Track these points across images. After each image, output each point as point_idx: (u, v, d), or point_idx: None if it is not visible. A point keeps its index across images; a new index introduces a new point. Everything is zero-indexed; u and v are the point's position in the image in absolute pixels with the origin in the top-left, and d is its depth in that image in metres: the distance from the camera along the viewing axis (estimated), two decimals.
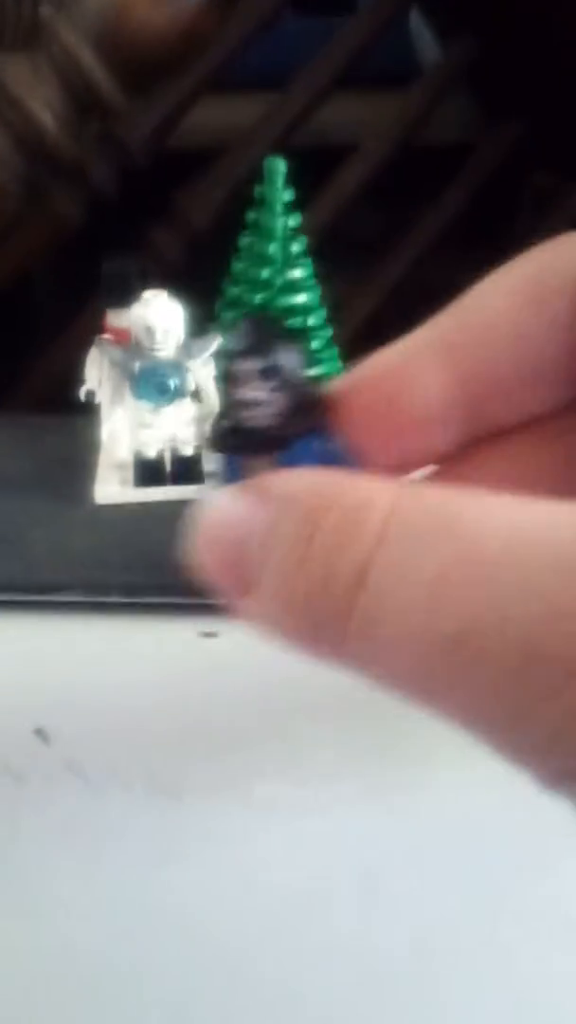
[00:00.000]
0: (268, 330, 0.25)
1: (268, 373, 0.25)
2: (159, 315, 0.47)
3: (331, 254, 0.86)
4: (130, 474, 0.51)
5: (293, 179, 0.94)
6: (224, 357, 0.27)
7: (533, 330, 0.25)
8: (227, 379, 0.25)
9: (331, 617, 0.20)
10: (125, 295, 0.52)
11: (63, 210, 0.80)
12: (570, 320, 0.25)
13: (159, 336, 0.47)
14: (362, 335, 0.97)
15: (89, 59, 0.67)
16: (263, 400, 0.25)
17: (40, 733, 0.42)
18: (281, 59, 0.93)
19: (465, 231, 1.05)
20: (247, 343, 0.25)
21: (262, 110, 0.95)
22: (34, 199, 0.75)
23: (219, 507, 0.23)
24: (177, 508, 0.49)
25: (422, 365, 0.26)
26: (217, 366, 0.48)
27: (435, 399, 0.26)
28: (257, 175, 0.92)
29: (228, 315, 0.50)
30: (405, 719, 0.42)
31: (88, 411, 0.54)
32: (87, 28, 0.67)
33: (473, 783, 0.41)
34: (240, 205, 0.94)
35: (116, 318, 0.53)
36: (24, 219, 0.76)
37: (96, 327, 0.91)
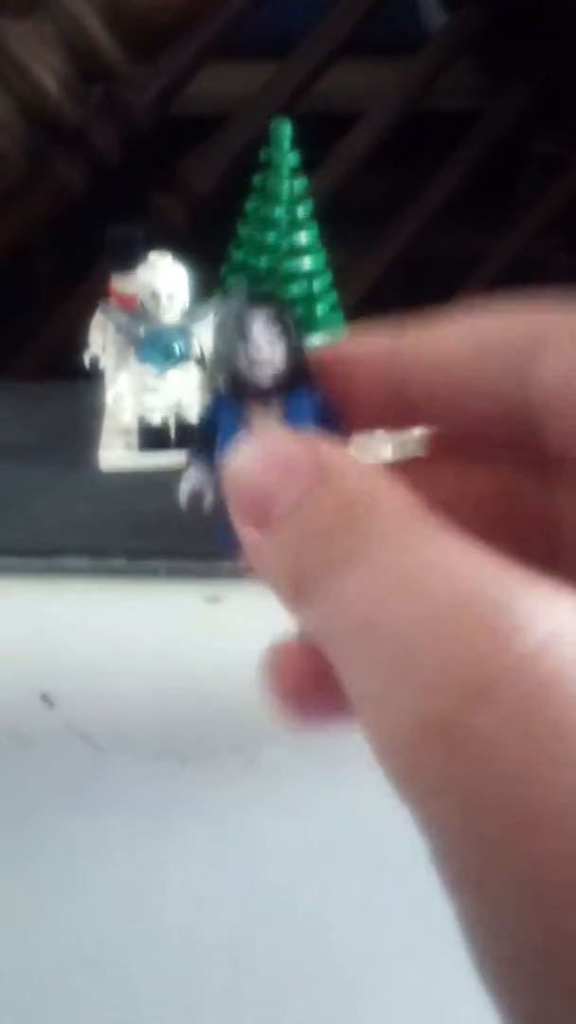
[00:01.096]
0: (263, 295, 0.27)
1: (269, 329, 0.26)
2: (164, 279, 0.47)
3: (336, 221, 0.86)
4: (134, 439, 0.51)
5: (298, 145, 0.94)
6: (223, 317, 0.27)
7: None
8: (229, 335, 0.26)
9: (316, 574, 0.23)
10: (130, 259, 0.52)
11: (66, 176, 0.80)
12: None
13: (164, 300, 0.47)
14: (366, 300, 0.97)
15: (94, 24, 0.66)
16: (266, 353, 0.26)
17: (46, 698, 0.43)
18: (285, 26, 0.93)
19: (469, 198, 1.05)
20: (250, 303, 0.26)
21: (266, 77, 0.94)
22: (37, 165, 0.75)
23: (254, 456, 0.24)
24: (180, 476, 0.50)
25: (391, 363, 0.27)
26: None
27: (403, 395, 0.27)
28: (261, 141, 0.92)
29: (233, 279, 0.50)
30: None
31: (91, 377, 0.54)
32: None
33: None
34: (244, 171, 0.94)
35: (121, 283, 0.53)
36: (27, 185, 0.75)
37: (99, 293, 0.91)
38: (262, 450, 0.24)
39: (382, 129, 0.97)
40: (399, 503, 0.23)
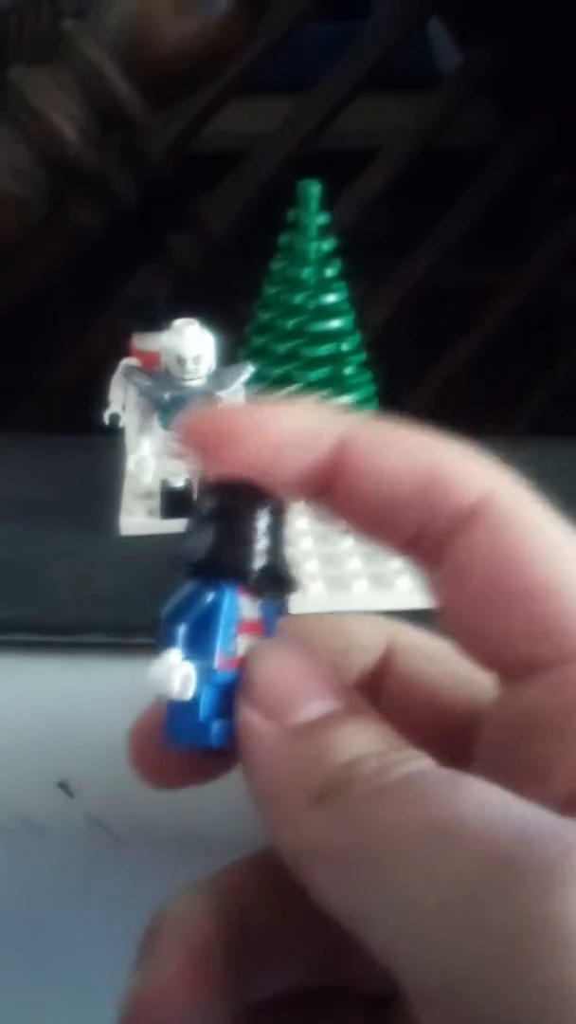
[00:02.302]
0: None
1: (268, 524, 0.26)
2: (191, 344, 0.46)
3: (350, 256, 0.85)
4: (156, 504, 0.50)
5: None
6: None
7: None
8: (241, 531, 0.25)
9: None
10: (152, 319, 0.51)
11: (83, 222, 0.79)
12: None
13: (190, 365, 0.46)
14: (381, 336, 0.96)
15: (112, 72, 0.65)
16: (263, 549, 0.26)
17: (63, 785, 0.41)
18: (300, 64, 0.92)
19: (484, 232, 1.04)
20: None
21: (281, 114, 0.93)
22: (54, 211, 0.74)
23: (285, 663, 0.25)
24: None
25: None
26: (248, 394, 0.47)
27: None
28: (277, 180, 0.91)
29: (259, 340, 0.49)
30: None
31: (106, 429, 0.53)
32: (110, 41, 0.66)
33: None
34: (259, 211, 0.93)
35: (142, 342, 0.52)
36: (44, 230, 0.74)
37: (113, 341, 0.90)
38: (292, 661, 0.25)
39: (397, 166, 0.96)
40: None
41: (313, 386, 0.48)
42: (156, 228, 0.90)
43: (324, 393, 0.48)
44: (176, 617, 0.26)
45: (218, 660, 0.25)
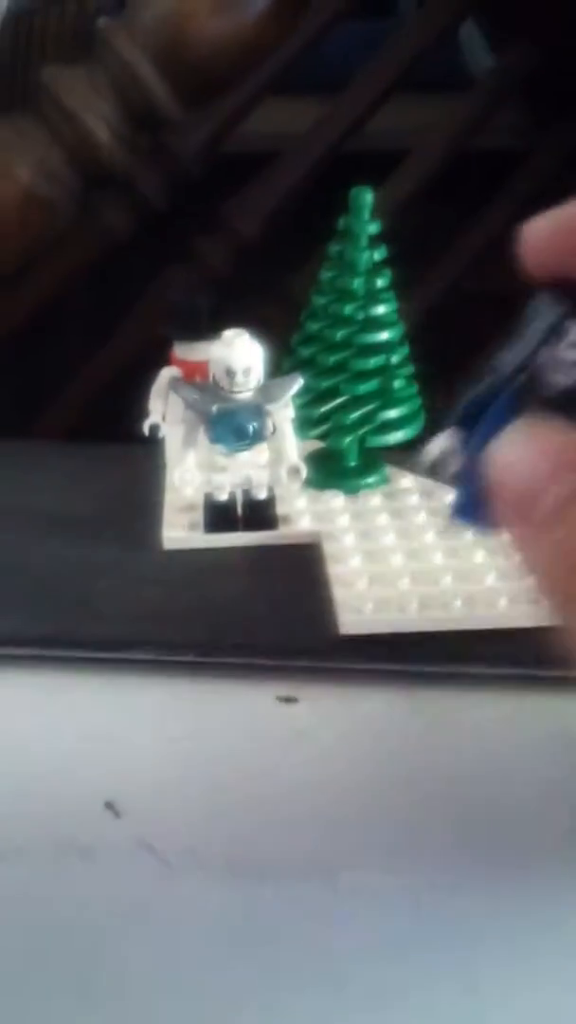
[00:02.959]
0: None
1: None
2: (241, 357, 0.44)
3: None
4: (200, 518, 0.48)
5: (341, 186, 0.92)
6: (534, 315, 0.27)
7: None
8: (535, 331, 0.27)
9: None
10: (194, 327, 0.49)
11: (112, 223, 0.77)
12: None
13: (240, 378, 0.45)
14: (411, 340, 0.95)
15: (147, 72, 0.64)
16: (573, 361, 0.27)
17: (110, 806, 0.40)
18: (328, 64, 0.91)
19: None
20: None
21: (309, 115, 0.92)
22: (83, 212, 0.72)
23: (525, 449, 0.25)
24: (250, 558, 0.47)
25: None
26: (296, 408, 0.46)
27: None
28: (308, 182, 0.90)
29: (306, 351, 0.47)
30: (508, 803, 0.39)
31: (142, 437, 0.51)
32: (145, 40, 0.64)
33: None
34: (289, 213, 0.92)
35: (184, 351, 0.51)
36: (73, 232, 0.73)
37: (141, 345, 0.89)
38: (533, 443, 0.25)
39: (429, 168, 0.95)
40: None
41: (360, 399, 0.46)
42: (183, 230, 0.89)
43: (371, 406, 0.46)
44: (468, 408, 0.28)
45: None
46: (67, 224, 0.69)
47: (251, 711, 0.43)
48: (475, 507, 0.27)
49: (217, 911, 0.41)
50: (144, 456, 0.54)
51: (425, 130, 0.99)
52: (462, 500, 0.28)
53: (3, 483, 0.54)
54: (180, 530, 0.48)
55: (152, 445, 0.52)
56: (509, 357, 0.27)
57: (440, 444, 0.29)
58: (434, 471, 0.29)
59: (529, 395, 0.27)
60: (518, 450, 0.25)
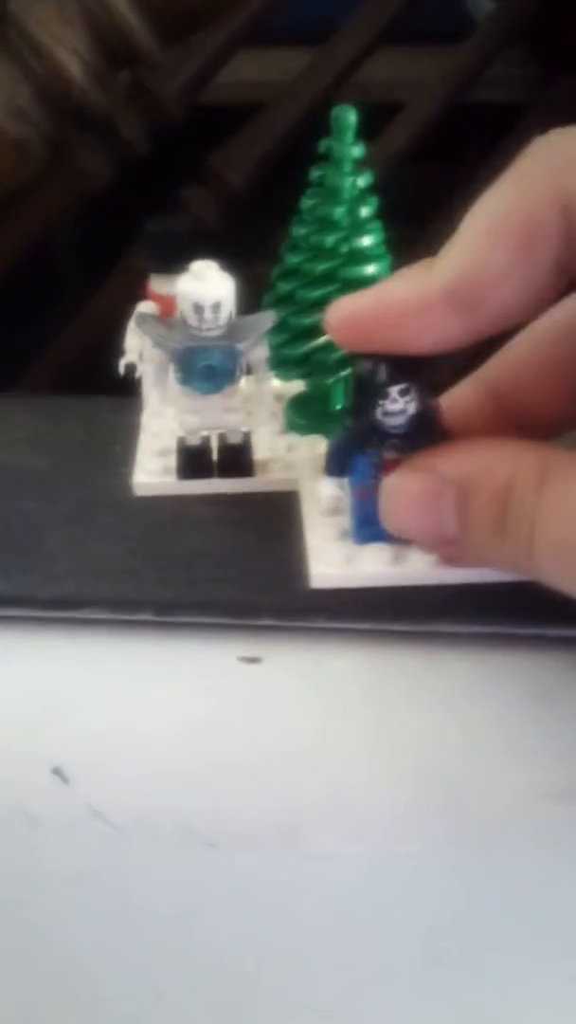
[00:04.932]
0: (400, 361, 0.35)
1: (405, 392, 0.35)
2: (208, 291, 0.41)
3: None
4: (173, 463, 0.45)
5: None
6: (363, 380, 0.36)
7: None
8: (368, 392, 0.36)
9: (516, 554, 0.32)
10: (170, 259, 0.46)
11: (91, 167, 0.74)
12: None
13: (208, 315, 0.41)
14: None
15: (121, 3, 0.61)
16: (399, 411, 0.36)
17: (59, 772, 0.37)
18: (323, 11, 0.88)
19: None
20: (389, 374, 0.35)
21: (302, 65, 0.89)
22: (59, 156, 0.69)
23: (410, 483, 0.35)
24: (222, 507, 0.44)
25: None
26: (276, 347, 0.43)
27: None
28: (298, 131, 0.87)
29: (285, 286, 0.44)
30: (478, 765, 0.36)
31: (122, 388, 0.48)
32: None
33: (552, 839, 0.36)
34: (279, 163, 0.89)
35: (160, 284, 0.47)
36: (49, 177, 0.70)
37: (128, 294, 0.86)
38: (411, 496, 0.35)
39: (425, 121, 0.92)
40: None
41: None
42: (170, 180, 0.86)
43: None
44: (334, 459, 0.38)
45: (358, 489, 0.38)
46: (41, 166, 0.66)
47: (211, 672, 0.40)
48: (368, 528, 0.38)
49: (172, 878, 0.39)
50: (115, 408, 0.51)
51: (420, 80, 0.95)
52: (357, 526, 0.39)
53: None
54: (152, 476, 0.45)
55: (126, 397, 0.49)
56: (354, 420, 0.37)
57: (327, 490, 0.39)
58: (333, 510, 0.41)
59: (374, 438, 0.36)
60: (405, 508, 0.35)
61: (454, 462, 0.34)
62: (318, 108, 0.84)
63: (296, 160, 0.73)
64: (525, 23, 0.94)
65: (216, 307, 0.41)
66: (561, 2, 0.93)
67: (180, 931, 0.39)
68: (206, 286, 0.41)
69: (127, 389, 0.48)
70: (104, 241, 0.87)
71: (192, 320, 0.41)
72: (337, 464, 0.39)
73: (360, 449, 0.37)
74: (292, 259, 0.43)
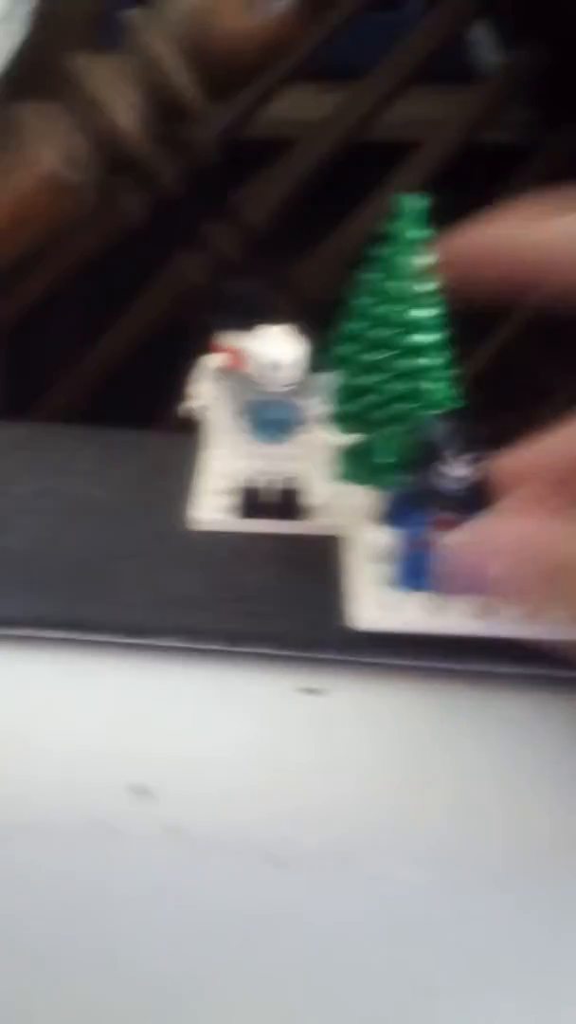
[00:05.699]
0: (462, 426, 0.40)
1: (470, 461, 0.39)
2: (284, 353, 0.46)
3: None
4: (234, 502, 0.50)
5: (349, 175, 0.92)
6: (427, 444, 0.40)
7: None
8: (433, 456, 0.39)
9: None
10: (242, 317, 0.50)
11: (128, 209, 0.78)
12: None
13: (280, 372, 0.46)
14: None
15: (173, 64, 0.65)
16: (461, 477, 0.39)
17: (135, 788, 0.41)
18: (348, 52, 0.91)
19: None
20: (459, 441, 0.39)
21: (326, 101, 0.93)
22: (101, 198, 0.73)
23: (468, 547, 0.37)
24: (277, 546, 0.49)
25: None
26: (332, 404, 0.48)
27: None
28: (321, 171, 0.91)
29: (344, 350, 0.48)
30: (527, 798, 0.40)
31: (180, 427, 0.52)
32: (172, 33, 0.65)
33: None
34: (302, 203, 0.93)
35: (228, 339, 0.52)
36: (89, 218, 0.74)
37: (150, 329, 0.90)
38: (469, 559, 0.37)
39: (436, 161, 0.96)
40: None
41: (396, 398, 0.48)
42: (194, 216, 0.89)
43: (407, 406, 0.48)
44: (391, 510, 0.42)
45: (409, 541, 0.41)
46: (88, 211, 0.70)
47: (274, 700, 0.44)
48: (415, 578, 0.42)
49: (240, 896, 0.42)
50: (170, 445, 0.55)
51: (431, 122, 0.99)
52: (404, 575, 0.42)
53: (28, 466, 0.54)
54: (213, 514, 0.50)
55: (180, 432, 0.53)
56: (415, 476, 0.40)
57: (376, 538, 0.43)
58: (380, 557, 0.43)
59: (432, 497, 0.40)
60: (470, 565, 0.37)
61: (511, 530, 0.37)
62: (342, 149, 0.88)
63: (316, 197, 0.77)
64: (534, 73, 0.98)
65: (288, 365, 0.46)
66: (571, 53, 0.97)
67: (248, 948, 0.42)
68: (280, 346, 0.46)
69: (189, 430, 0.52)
70: (128, 271, 0.91)
71: (266, 377, 0.46)
72: (392, 515, 0.43)
73: (417, 506, 0.41)
74: (352, 326, 0.48)
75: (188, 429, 0.52)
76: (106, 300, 0.93)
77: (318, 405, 0.48)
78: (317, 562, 0.48)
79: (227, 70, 0.67)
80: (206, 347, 0.52)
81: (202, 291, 0.88)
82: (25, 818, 0.43)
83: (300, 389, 0.47)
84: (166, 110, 0.67)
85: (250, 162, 0.92)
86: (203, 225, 0.88)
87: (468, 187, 1.02)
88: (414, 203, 0.46)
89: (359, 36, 0.93)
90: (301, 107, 0.94)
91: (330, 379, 0.47)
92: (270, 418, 0.47)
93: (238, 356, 0.49)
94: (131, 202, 0.78)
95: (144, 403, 0.72)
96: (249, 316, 0.48)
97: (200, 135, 0.79)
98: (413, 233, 0.47)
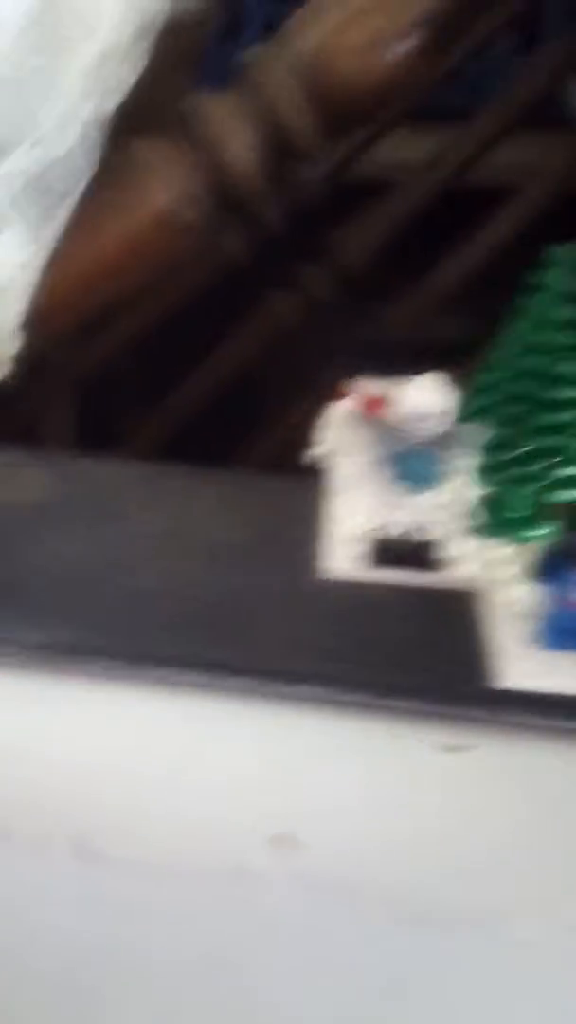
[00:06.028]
0: None
1: None
2: (433, 402, 0.45)
3: (479, 301, 0.83)
4: (363, 551, 0.49)
5: (445, 218, 0.92)
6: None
7: None
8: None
9: None
10: (380, 365, 0.50)
11: (234, 246, 0.78)
12: None
13: (428, 422, 0.46)
14: None
15: (292, 105, 0.65)
16: None
17: (276, 837, 0.40)
18: (452, 95, 0.91)
19: None
20: None
21: (419, 143, 0.92)
22: (207, 236, 0.73)
23: None
24: (412, 598, 0.48)
25: None
26: (481, 457, 0.47)
27: None
28: (419, 214, 0.90)
29: (483, 401, 0.47)
30: None
31: (304, 470, 0.52)
32: (293, 72, 0.65)
33: None
34: (398, 246, 0.93)
35: (363, 386, 0.51)
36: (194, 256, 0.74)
37: (243, 365, 0.90)
38: None
39: (533, 208, 0.95)
40: None
41: (540, 453, 0.47)
42: (290, 255, 0.89)
43: (549, 461, 0.47)
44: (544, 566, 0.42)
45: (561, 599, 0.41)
46: (199, 248, 0.70)
47: (413, 756, 0.43)
48: (563, 636, 0.42)
49: (374, 949, 0.41)
50: (292, 489, 0.54)
51: (528, 168, 0.99)
52: (553, 633, 0.42)
53: (157, 509, 0.54)
54: (344, 562, 0.49)
55: (300, 476, 0.52)
56: (567, 534, 0.42)
57: (523, 594, 0.43)
58: (523, 613, 0.43)
59: None
60: None
61: None
62: (443, 192, 0.88)
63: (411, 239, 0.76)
64: None
65: (436, 416, 0.45)
66: None
67: (386, 1003, 0.42)
68: (430, 397, 0.45)
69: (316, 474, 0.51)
70: (219, 310, 0.91)
71: (413, 425, 0.45)
72: (542, 572, 0.43)
73: (569, 563, 0.41)
74: (494, 376, 0.48)
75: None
76: (196, 339, 0.93)
77: (461, 456, 0.47)
78: (455, 615, 0.47)
79: (345, 112, 0.66)
80: (332, 393, 0.52)
81: (294, 332, 0.87)
82: (167, 859, 0.42)
83: (444, 440, 0.46)
84: (281, 151, 0.67)
85: (347, 203, 0.92)
86: (298, 265, 0.88)
87: (565, 234, 1.02)
88: (567, 254, 0.46)
89: (456, 80, 0.93)
90: (399, 148, 0.94)
91: (476, 431, 0.46)
92: (410, 468, 0.46)
93: (378, 404, 0.48)
94: (234, 241, 0.78)
95: (224, 441, 0.72)
96: (387, 363, 0.48)
97: (308, 175, 0.79)
98: (564, 284, 0.46)
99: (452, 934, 0.40)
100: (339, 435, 0.50)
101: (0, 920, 0.43)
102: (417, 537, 0.48)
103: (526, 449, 0.47)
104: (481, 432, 0.46)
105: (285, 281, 0.88)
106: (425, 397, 0.45)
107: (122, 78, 0.62)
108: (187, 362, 0.93)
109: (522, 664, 0.43)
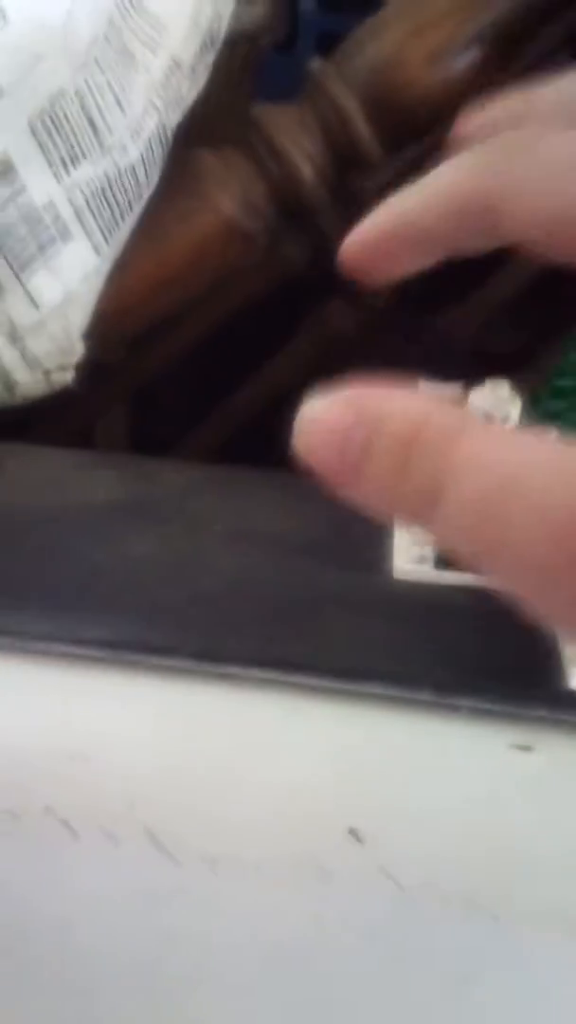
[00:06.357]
0: None
1: None
2: (500, 408, 0.46)
3: (539, 308, 0.84)
4: (430, 552, 0.50)
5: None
6: None
7: None
8: None
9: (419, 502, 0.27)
10: (454, 369, 0.50)
11: (293, 256, 0.79)
12: None
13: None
14: None
15: (356, 116, 0.66)
16: None
17: (353, 833, 0.41)
18: None
19: None
20: None
21: None
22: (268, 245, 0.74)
23: (326, 411, 0.28)
24: (480, 600, 0.48)
25: None
26: None
27: None
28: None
29: (556, 405, 0.48)
30: None
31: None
32: (356, 84, 0.66)
33: None
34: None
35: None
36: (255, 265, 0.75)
37: (295, 375, 0.90)
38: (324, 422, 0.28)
39: None
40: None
41: None
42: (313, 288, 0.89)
43: None
44: None
45: None
46: (258, 258, 0.71)
47: (483, 756, 0.44)
48: None
49: (450, 942, 0.42)
50: None
51: None
52: None
53: (225, 509, 0.55)
54: (411, 562, 0.50)
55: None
56: None
57: None
58: None
59: None
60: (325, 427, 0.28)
61: (376, 398, 0.29)
62: None
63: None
64: None
65: (503, 421, 0.46)
66: None
67: (454, 996, 0.42)
68: (497, 401, 0.46)
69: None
70: (274, 318, 0.91)
71: None
72: None
73: None
74: (564, 382, 0.48)
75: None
76: (254, 346, 0.94)
77: None
78: (523, 617, 0.48)
79: (407, 124, 0.67)
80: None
81: (351, 339, 0.88)
82: (235, 852, 0.43)
83: None
84: (343, 161, 0.68)
85: None
86: (322, 296, 0.88)
87: None
88: None
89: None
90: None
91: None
92: None
93: None
94: (294, 250, 0.79)
95: (281, 449, 0.73)
96: (446, 371, 0.48)
97: (368, 184, 0.79)
98: None
99: (526, 932, 0.41)
100: None
101: (76, 915, 0.44)
102: None
103: None
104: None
105: (343, 289, 0.89)
106: (487, 403, 0.46)
107: (186, 92, 0.64)
108: (244, 369, 0.94)
109: None
